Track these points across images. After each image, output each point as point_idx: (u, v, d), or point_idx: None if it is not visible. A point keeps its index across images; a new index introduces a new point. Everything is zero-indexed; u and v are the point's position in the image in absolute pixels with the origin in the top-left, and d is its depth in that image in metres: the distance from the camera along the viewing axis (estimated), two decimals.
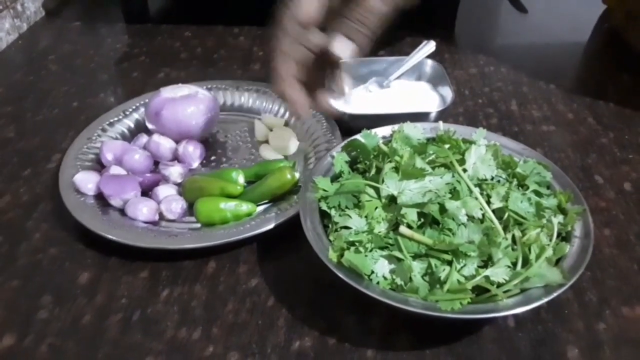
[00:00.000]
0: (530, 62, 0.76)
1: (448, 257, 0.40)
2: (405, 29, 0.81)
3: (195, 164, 0.57)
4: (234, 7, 0.91)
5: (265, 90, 0.66)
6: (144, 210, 0.50)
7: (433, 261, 0.40)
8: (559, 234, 0.42)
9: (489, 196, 0.44)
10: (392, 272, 0.40)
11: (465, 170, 0.46)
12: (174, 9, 0.95)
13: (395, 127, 0.52)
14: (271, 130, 0.62)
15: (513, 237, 0.42)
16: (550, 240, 0.42)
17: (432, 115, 0.60)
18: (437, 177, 0.44)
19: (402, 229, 0.41)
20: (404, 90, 0.66)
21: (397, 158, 0.46)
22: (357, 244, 0.41)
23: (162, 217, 0.51)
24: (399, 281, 0.40)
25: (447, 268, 0.39)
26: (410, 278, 0.39)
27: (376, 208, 0.44)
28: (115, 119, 0.62)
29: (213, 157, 0.59)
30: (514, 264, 0.40)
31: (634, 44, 0.76)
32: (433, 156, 0.47)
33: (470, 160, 0.46)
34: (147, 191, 0.53)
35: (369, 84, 0.67)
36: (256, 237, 0.48)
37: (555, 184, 0.48)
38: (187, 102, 0.58)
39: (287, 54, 0.49)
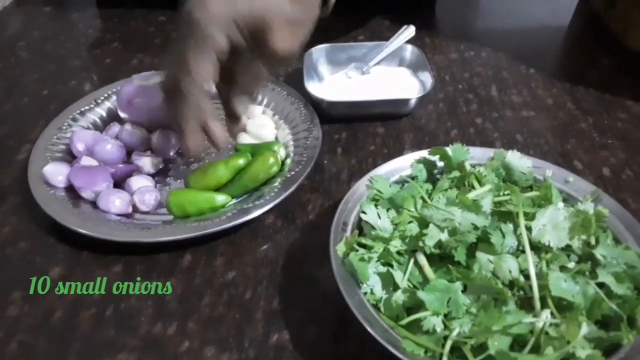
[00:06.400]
0: (510, 47, 0.75)
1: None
2: (385, 14, 0.80)
3: (171, 154, 0.56)
4: None
5: None
6: (116, 202, 0.49)
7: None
8: None
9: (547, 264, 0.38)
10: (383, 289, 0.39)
11: (529, 230, 0.39)
12: None
13: (497, 151, 0.47)
14: (249, 118, 0.60)
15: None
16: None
17: (412, 102, 0.59)
18: (469, 213, 0.39)
19: (420, 256, 0.39)
20: (384, 76, 0.65)
21: (474, 182, 0.43)
22: (366, 249, 0.40)
23: (135, 209, 0.50)
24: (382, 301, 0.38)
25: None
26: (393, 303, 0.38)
27: (410, 222, 0.41)
28: (87, 107, 0.60)
29: None
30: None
31: (613, 29, 0.76)
32: (507, 197, 0.42)
33: (540, 220, 0.39)
34: (119, 182, 0.51)
35: (348, 70, 0.66)
36: (233, 228, 0.47)
37: None
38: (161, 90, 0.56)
39: (189, 120, 0.45)
